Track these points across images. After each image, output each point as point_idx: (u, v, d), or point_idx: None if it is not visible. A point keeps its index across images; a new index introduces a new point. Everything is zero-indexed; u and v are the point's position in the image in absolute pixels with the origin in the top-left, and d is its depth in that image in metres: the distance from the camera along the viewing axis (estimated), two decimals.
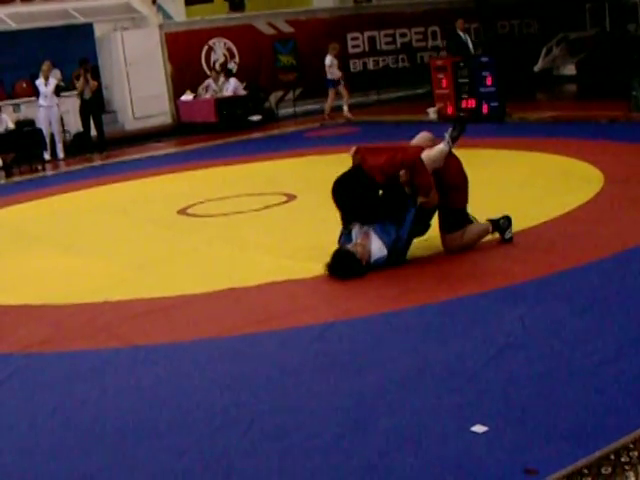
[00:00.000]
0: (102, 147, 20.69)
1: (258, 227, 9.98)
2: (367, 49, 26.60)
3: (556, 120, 16.78)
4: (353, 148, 7.89)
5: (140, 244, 9.98)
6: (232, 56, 24.88)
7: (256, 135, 20.86)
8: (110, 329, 6.82)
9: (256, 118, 22.69)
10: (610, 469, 3.75)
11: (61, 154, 20.40)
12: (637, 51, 19.78)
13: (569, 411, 4.40)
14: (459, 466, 3.99)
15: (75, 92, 20.86)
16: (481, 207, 8.07)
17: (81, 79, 20.28)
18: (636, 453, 3.86)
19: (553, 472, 3.77)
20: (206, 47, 24.55)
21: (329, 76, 21.32)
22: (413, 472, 4.01)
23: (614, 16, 26.85)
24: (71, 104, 21.46)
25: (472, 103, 17.86)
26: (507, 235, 7.85)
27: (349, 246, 7.49)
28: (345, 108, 21.33)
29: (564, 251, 7.52)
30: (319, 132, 19.92)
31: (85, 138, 20.87)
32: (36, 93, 20.61)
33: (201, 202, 12.02)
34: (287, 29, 25.65)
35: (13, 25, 22.34)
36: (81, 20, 23.26)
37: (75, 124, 21.67)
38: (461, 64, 18.38)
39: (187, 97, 23.61)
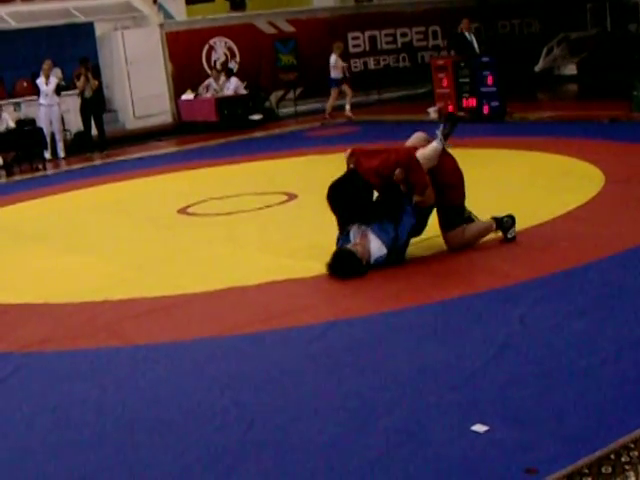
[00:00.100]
0: (103, 146, 20.69)
1: (258, 226, 9.98)
2: (368, 48, 26.59)
3: (557, 120, 16.78)
4: (348, 150, 7.90)
5: (140, 243, 9.98)
6: (233, 55, 24.88)
7: (257, 134, 20.86)
8: (110, 328, 6.81)
9: (257, 117, 22.68)
10: (610, 469, 3.75)
11: (62, 153, 20.40)
12: (638, 51, 19.80)
13: (569, 411, 4.40)
14: (460, 465, 3.99)
15: (76, 91, 20.86)
16: (482, 207, 8.07)
17: (82, 78, 20.28)
18: (636, 453, 3.85)
19: (553, 472, 3.77)
20: (207, 46, 24.55)
21: (332, 75, 21.30)
22: (413, 471, 4.01)
23: (615, 16, 26.86)
24: (72, 103, 21.45)
25: (473, 103, 17.86)
26: (510, 234, 7.84)
27: (349, 246, 7.49)
28: (347, 107, 21.31)
29: (564, 251, 7.52)
30: (320, 131, 19.92)
31: (86, 137, 20.87)
32: (37, 92, 20.61)
33: (202, 201, 12.01)
34: (288, 28, 25.65)
35: (14, 24, 22.33)
36: (82, 19, 23.25)
37: (76, 123, 21.67)
38: (462, 64, 18.38)
39: (188, 96, 23.61)
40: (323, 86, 22.70)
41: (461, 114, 17.95)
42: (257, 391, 5.21)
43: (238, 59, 24.89)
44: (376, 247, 7.41)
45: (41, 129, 19.70)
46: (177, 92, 23.86)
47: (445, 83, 18.62)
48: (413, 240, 7.80)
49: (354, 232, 7.57)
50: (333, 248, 7.55)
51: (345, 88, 21.37)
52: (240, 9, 26.12)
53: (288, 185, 12.25)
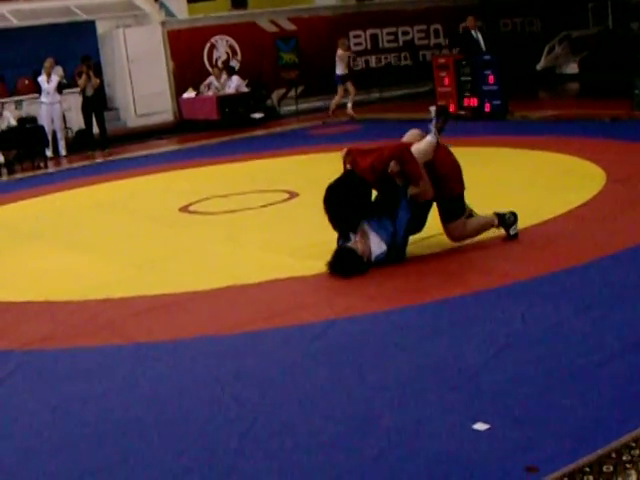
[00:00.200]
0: (104, 144, 20.70)
1: (260, 224, 9.99)
2: (369, 47, 26.58)
3: (558, 118, 16.77)
4: (344, 150, 7.90)
5: (142, 241, 9.98)
6: (234, 54, 24.88)
7: (258, 133, 20.87)
8: (112, 326, 6.82)
9: (258, 116, 22.68)
10: (611, 467, 3.75)
11: (63, 151, 20.41)
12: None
13: (570, 409, 4.40)
14: (461, 464, 3.99)
15: (77, 89, 20.88)
16: (483, 205, 8.07)
17: (83, 76, 20.29)
18: (637, 451, 3.85)
19: (554, 470, 3.77)
20: (208, 44, 24.55)
21: (338, 72, 21.29)
22: (414, 469, 4.01)
23: (617, 14, 26.84)
24: (73, 101, 21.47)
25: (474, 101, 17.86)
26: (512, 231, 7.84)
27: (349, 244, 7.49)
28: (349, 105, 21.30)
29: (566, 249, 7.52)
30: (321, 130, 19.91)
31: (87, 135, 20.90)
32: (38, 90, 20.63)
33: (203, 200, 12.02)
34: (289, 27, 25.64)
35: (15, 22, 22.35)
36: (83, 17, 23.25)
37: (77, 121, 21.70)
38: (463, 62, 18.37)
39: (189, 94, 23.61)
40: (324, 84, 22.70)
41: (462, 113, 17.99)
42: (258, 389, 5.21)
43: (240, 57, 24.88)
44: (376, 244, 7.41)
45: (43, 127, 19.71)
46: (179, 90, 23.86)
47: (447, 82, 18.61)
48: (414, 239, 7.80)
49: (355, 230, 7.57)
50: (334, 246, 7.55)
51: (349, 86, 21.36)
52: (242, 7, 26.11)
53: (289, 183, 12.24)
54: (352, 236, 7.53)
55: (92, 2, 23.44)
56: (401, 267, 7.44)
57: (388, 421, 4.52)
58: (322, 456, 4.25)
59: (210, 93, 23.16)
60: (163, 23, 24.02)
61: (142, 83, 23.14)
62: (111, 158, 19.44)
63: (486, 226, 7.89)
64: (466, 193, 7.84)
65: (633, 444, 3.91)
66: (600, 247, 7.41)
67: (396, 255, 7.49)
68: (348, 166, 7.75)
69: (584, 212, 8.73)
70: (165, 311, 7.06)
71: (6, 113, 19.54)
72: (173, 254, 9.05)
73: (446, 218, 7.77)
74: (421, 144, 7.71)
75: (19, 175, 18.26)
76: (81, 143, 21.02)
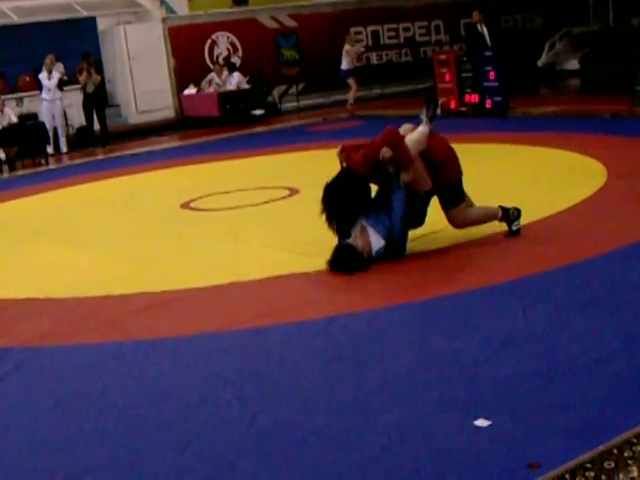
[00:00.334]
0: (105, 141, 20.72)
1: (261, 221, 9.98)
2: (370, 43, 26.57)
3: (559, 115, 16.76)
4: (339, 147, 7.91)
5: (143, 238, 9.98)
6: (235, 50, 24.89)
7: (259, 129, 20.87)
8: (112, 323, 6.81)
9: (259, 112, 22.69)
10: (613, 464, 3.75)
11: (64, 148, 20.43)
12: None
13: (572, 405, 4.40)
14: (462, 460, 3.99)
15: (78, 86, 20.89)
16: (484, 201, 8.06)
17: (84, 73, 20.29)
18: (639, 447, 3.85)
19: (556, 466, 3.77)
20: (209, 41, 24.56)
21: (343, 66, 21.27)
22: (416, 466, 4.01)
23: (618, 10, 26.85)
24: (74, 98, 21.49)
25: (475, 98, 17.85)
26: (514, 227, 7.83)
27: (349, 241, 7.48)
28: (350, 101, 21.30)
29: (567, 245, 7.51)
30: (322, 126, 19.91)
31: (88, 132, 20.92)
32: (39, 87, 20.65)
33: (204, 196, 12.02)
34: (290, 23, 25.65)
35: (16, 19, 22.37)
36: (84, 14, 23.28)
37: (78, 118, 21.72)
38: (464, 58, 18.36)
39: (190, 91, 23.62)
40: (325, 81, 22.70)
41: (463, 109, 17.99)
42: (260, 386, 5.21)
43: (240, 54, 24.89)
44: (375, 239, 7.41)
45: (43, 124, 19.73)
46: (179, 87, 23.89)
47: (447, 78, 18.60)
48: (414, 235, 7.80)
49: (353, 228, 7.56)
50: (335, 243, 7.55)
51: (351, 82, 21.36)
52: (242, 4, 26.13)
53: (290, 180, 12.24)
54: (351, 233, 7.52)
55: None
56: (402, 263, 7.43)
57: (389, 418, 4.52)
58: (323, 453, 4.24)
59: (211, 90, 23.17)
60: (164, 20, 24.04)
61: (143, 80, 23.15)
62: (112, 155, 19.46)
63: (489, 216, 7.88)
64: (467, 189, 7.84)
65: (634, 440, 3.91)
66: (601, 243, 7.41)
67: (396, 249, 7.48)
68: (344, 164, 7.75)
69: (585, 208, 8.72)
70: (166, 308, 7.06)
71: (7, 110, 19.53)
72: (174, 251, 9.05)
73: (447, 205, 7.77)
74: (414, 134, 7.71)
75: (20, 172, 18.27)
76: (82, 140, 21.03)
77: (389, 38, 27.13)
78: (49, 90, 20.09)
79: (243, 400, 4.99)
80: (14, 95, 22.41)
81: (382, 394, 4.86)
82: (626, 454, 3.81)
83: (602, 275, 6.59)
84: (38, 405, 5.34)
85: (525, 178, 10.66)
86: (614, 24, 26.73)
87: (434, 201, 7.81)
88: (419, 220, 7.72)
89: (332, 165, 7.93)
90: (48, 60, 20.15)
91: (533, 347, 5.28)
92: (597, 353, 5.04)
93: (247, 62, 24.55)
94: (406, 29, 27.35)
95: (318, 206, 7.58)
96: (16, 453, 4.71)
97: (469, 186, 7.86)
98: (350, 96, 21.62)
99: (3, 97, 20.28)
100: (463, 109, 17.99)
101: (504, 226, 7.87)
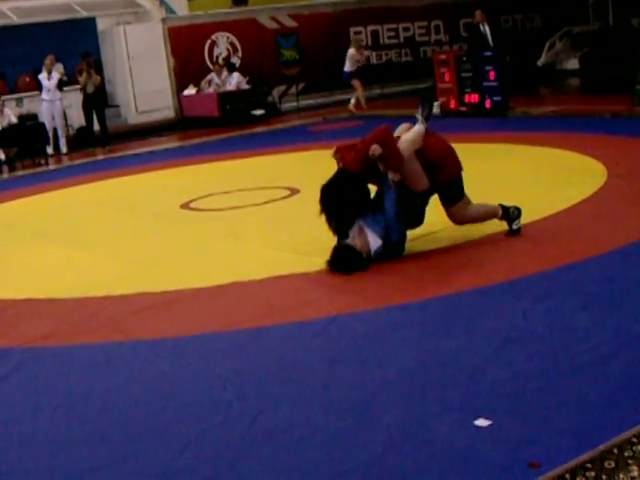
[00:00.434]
0: (105, 141, 20.72)
1: (261, 221, 9.99)
2: (370, 43, 26.57)
3: (559, 114, 16.76)
4: (334, 148, 7.92)
5: (143, 238, 9.98)
6: (235, 50, 24.89)
7: (259, 129, 20.86)
8: (113, 323, 6.82)
9: (259, 112, 22.69)
10: (613, 463, 3.75)
11: (64, 148, 20.43)
12: None
13: (572, 405, 4.40)
14: (463, 460, 3.99)
15: (78, 86, 20.89)
16: (484, 201, 8.05)
17: (84, 74, 20.29)
18: (639, 447, 3.85)
19: (556, 466, 3.77)
20: (209, 41, 24.56)
21: (346, 68, 21.26)
22: (417, 465, 4.01)
23: (617, 10, 26.85)
24: (74, 98, 21.50)
25: (475, 97, 17.85)
26: (515, 226, 7.84)
27: (347, 241, 7.48)
28: (352, 101, 21.29)
29: (567, 245, 7.51)
30: (322, 126, 19.91)
31: (88, 132, 20.93)
32: (39, 87, 20.64)
33: (204, 196, 12.02)
34: (290, 23, 25.65)
35: (16, 19, 22.37)
36: (84, 14, 23.28)
37: (78, 118, 21.73)
38: (464, 58, 18.36)
39: (190, 91, 23.62)
40: (325, 81, 22.67)
41: (463, 109, 17.98)
42: (260, 386, 5.21)
43: (240, 54, 24.89)
44: (373, 239, 7.41)
45: (43, 124, 19.74)
46: (179, 87, 23.89)
47: (447, 78, 18.59)
48: (414, 235, 7.81)
49: (351, 229, 7.56)
50: (335, 243, 7.55)
51: (356, 83, 21.35)
52: (242, 4, 26.13)
53: (290, 180, 12.24)
54: (349, 233, 7.53)
55: None
56: (402, 263, 7.44)
57: (390, 417, 4.52)
58: (324, 453, 4.24)
59: (211, 90, 23.17)
60: (164, 20, 24.04)
61: (143, 80, 23.16)
62: (112, 155, 19.46)
63: (489, 214, 7.88)
64: (467, 189, 7.84)
65: (635, 440, 3.91)
66: (602, 243, 7.41)
67: (394, 249, 7.48)
68: (340, 165, 7.76)
69: (585, 208, 8.73)
70: (166, 308, 7.07)
71: (7, 110, 19.54)
72: (174, 251, 9.05)
73: (447, 202, 7.78)
74: (409, 134, 7.72)
75: (20, 172, 18.28)
76: (82, 140, 21.04)
77: (389, 38, 27.14)
78: (49, 90, 20.09)
79: (243, 400, 5.00)
80: (14, 95, 22.41)
81: (382, 394, 4.86)
82: (626, 454, 3.81)
83: (602, 275, 6.59)
84: (39, 405, 5.34)
85: (525, 178, 10.66)
86: (614, 24, 26.74)
87: (433, 201, 7.82)
88: (418, 220, 7.72)
89: (332, 165, 7.93)
90: (48, 60, 20.16)
91: (533, 347, 5.28)
92: (597, 353, 5.04)
93: (247, 62, 24.56)
94: (406, 29, 27.35)
95: (318, 207, 7.59)
96: (17, 453, 4.71)
97: (469, 186, 7.86)
98: (360, 96, 21.52)
99: (3, 97, 20.30)
100: (463, 109, 17.99)
101: (504, 226, 7.87)
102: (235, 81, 22.88)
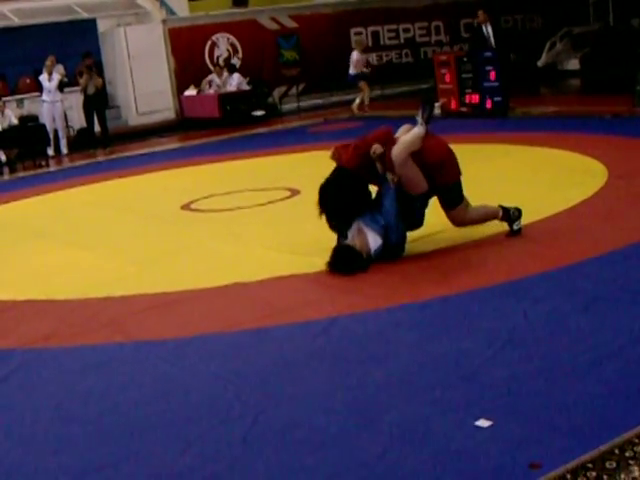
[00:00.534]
0: (106, 143, 20.73)
1: (262, 222, 9.99)
2: (370, 44, 26.56)
3: (560, 115, 16.75)
4: (332, 149, 7.93)
5: (143, 239, 9.98)
6: (235, 51, 24.89)
7: (259, 130, 20.86)
8: (114, 324, 6.82)
9: (259, 113, 22.68)
10: (614, 464, 3.75)
11: (65, 150, 20.44)
12: None
13: (573, 405, 4.40)
14: (463, 460, 3.99)
15: (79, 87, 20.89)
16: (485, 202, 8.05)
17: (84, 76, 20.30)
18: None
19: (557, 467, 3.77)
20: (209, 42, 24.56)
21: (351, 71, 21.26)
22: (417, 466, 4.01)
23: (618, 11, 26.83)
24: (75, 100, 21.49)
25: (475, 98, 17.84)
26: (515, 226, 7.84)
27: (347, 242, 7.48)
28: (356, 102, 21.27)
29: (568, 245, 7.51)
30: (322, 127, 19.91)
31: (89, 134, 20.92)
32: (40, 88, 20.66)
33: (205, 197, 12.02)
34: (290, 24, 25.64)
35: (16, 21, 22.36)
36: (84, 16, 23.27)
37: (79, 120, 21.73)
38: (464, 59, 18.36)
39: (190, 92, 23.62)
40: (326, 82, 22.65)
41: (463, 109, 17.98)
42: (261, 386, 5.21)
43: (241, 55, 24.89)
44: (372, 239, 7.41)
45: (44, 126, 19.75)
46: (180, 88, 23.89)
47: (448, 78, 18.58)
48: (414, 236, 7.80)
49: (350, 229, 7.56)
50: (335, 244, 7.56)
51: (363, 85, 21.35)
52: (242, 5, 26.12)
53: (291, 181, 12.24)
54: (348, 234, 7.53)
55: (93, 0, 23.48)
56: (402, 264, 7.44)
57: (391, 418, 4.52)
58: (325, 453, 4.24)
59: (211, 91, 23.17)
60: (164, 21, 24.04)
61: (143, 81, 23.15)
62: (113, 156, 19.46)
63: (490, 215, 7.88)
64: (467, 190, 7.84)
65: (636, 440, 3.91)
66: (602, 243, 7.41)
67: (393, 249, 7.48)
68: (337, 163, 7.78)
69: (586, 208, 8.72)
70: (167, 309, 7.07)
71: (7, 112, 19.55)
72: (175, 252, 9.05)
73: (446, 206, 7.78)
74: (408, 135, 7.71)
75: (21, 174, 18.28)
76: (83, 141, 21.04)
77: (389, 39, 27.13)
78: (49, 92, 20.10)
79: (244, 401, 5.00)
80: (15, 97, 22.41)
81: (383, 394, 4.86)
82: (627, 454, 3.81)
83: (602, 275, 6.59)
84: (39, 406, 5.35)
85: (525, 178, 10.66)
86: (614, 24, 26.71)
87: (433, 202, 7.82)
88: (417, 222, 7.72)
89: (332, 166, 7.93)
90: (48, 62, 20.17)
91: (534, 347, 5.28)
92: (599, 353, 5.04)
93: (247, 63, 24.56)
94: (406, 30, 27.34)
95: (317, 207, 7.60)
96: (18, 454, 4.72)
97: (469, 186, 7.86)
98: (365, 97, 21.52)
99: (4, 99, 20.30)
100: (463, 109, 17.99)
101: (504, 226, 7.88)
102: (235, 82, 22.88)
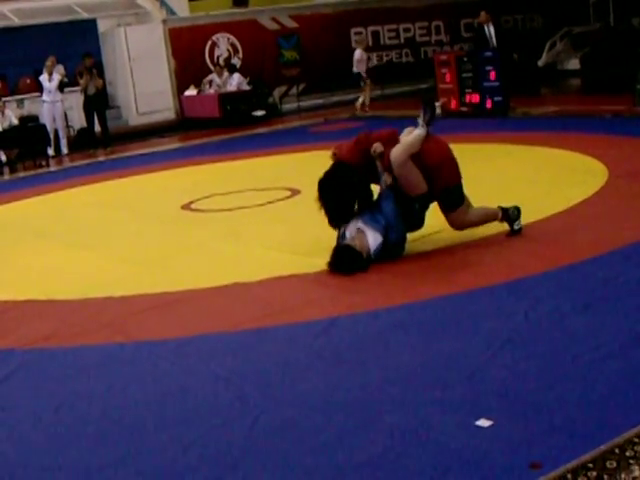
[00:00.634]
0: (106, 143, 20.72)
1: (262, 222, 9.99)
2: (371, 44, 26.55)
3: (560, 114, 16.75)
4: (331, 150, 7.94)
5: (144, 239, 9.98)
6: (236, 51, 24.89)
7: (260, 130, 20.87)
8: (114, 324, 6.82)
9: (260, 113, 22.68)
10: (615, 463, 3.75)
11: (65, 150, 20.45)
12: None
13: (574, 405, 4.40)
14: (464, 460, 3.99)
15: (79, 88, 20.88)
16: (485, 201, 8.06)
17: (85, 77, 20.29)
18: None
19: (558, 466, 3.77)
20: (210, 42, 24.56)
21: (355, 69, 21.24)
22: (418, 466, 4.01)
23: (618, 10, 26.82)
24: (75, 100, 21.49)
25: (476, 98, 17.84)
26: (516, 226, 7.84)
27: (347, 241, 7.48)
28: (360, 100, 21.26)
29: (568, 245, 7.51)
30: (323, 127, 19.91)
31: (89, 134, 20.91)
32: (40, 89, 20.66)
33: (205, 197, 12.03)
34: (291, 24, 25.64)
35: (16, 21, 22.37)
36: (84, 16, 23.27)
37: (79, 120, 21.73)
38: (465, 59, 18.36)
39: (191, 92, 23.62)
40: (326, 82, 22.64)
41: (463, 109, 17.98)
42: (261, 386, 5.21)
43: (241, 55, 24.89)
44: (372, 238, 7.41)
45: (44, 126, 19.75)
46: (180, 88, 23.89)
47: (448, 78, 18.59)
48: (414, 236, 7.80)
49: (350, 228, 7.56)
50: (335, 244, 7.56)
51: (366, 83, 21.34)
52: (243, 5, 26.13)
53: (291, 181, 12.24)
54: (348, 234, 7.53)
55: (93, 1, 23.48)
56: (402, 264, 7.44)
57: (391, 418, 4.52)
58: (325, 453, 4.24)
59: (211, 91, 23.17)
60: (164, 21, 24.04)
61: (144, 81, 23.15)
62: (113, 156, 19.47)
63: (489, 217, 7.88)
64: (468, 190, 7.84)
65: (636, 440, 3.91)
66: (603, 243, 7.40)
67: (393, 249, 7.48)
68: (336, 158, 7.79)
69: (586, 208, 8.72)
70: (167, 309, 7.07)
71: (8, 112, 19.55)
72: (175, 252, 9.05)
73: (445, 209, 7.78)
74: (408, 137, 7.71)
75: (21, 174, 18.28)
76: (83, 142, 21.04)
77: (389, 39, 27.13)
78: (50, 92, 20.10)
79: (245, 401, 5.00)
80: (15, 97, 22.41)
81: (383, 394, 4.86)
82: (628, 454, 3.81)
83: (603, 275, 6.58)
84: (40, 406, 5.35)
85: (526, 178, 10.66)
86: (615, 24, 26.69)
87: (433, 203, 7.81)
88: (417, 223, 7.72)
89: None
90: (49, 62, 20.17)
91: (535, 347, 5.28)
92: (599, 353, 5.04)
93: (248, 63, 24.56)
94: (406, 29, 27.34)
95: (316, 203, 7.60)
96: (19, 454, 4.72)
97: (469, 187, 7.86)
98: (366, 96, 21.51)
99: (4, 99, 20.30)
100: (464, 109, 17.99)
101: (505, 226, 7.88)
102: (236, 82, 22.88)
